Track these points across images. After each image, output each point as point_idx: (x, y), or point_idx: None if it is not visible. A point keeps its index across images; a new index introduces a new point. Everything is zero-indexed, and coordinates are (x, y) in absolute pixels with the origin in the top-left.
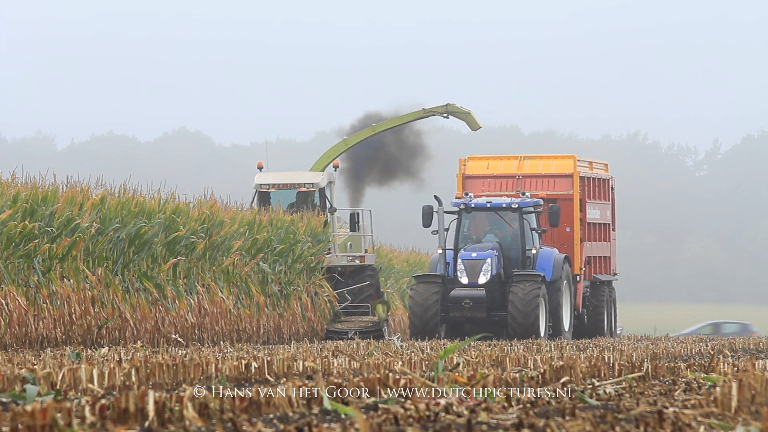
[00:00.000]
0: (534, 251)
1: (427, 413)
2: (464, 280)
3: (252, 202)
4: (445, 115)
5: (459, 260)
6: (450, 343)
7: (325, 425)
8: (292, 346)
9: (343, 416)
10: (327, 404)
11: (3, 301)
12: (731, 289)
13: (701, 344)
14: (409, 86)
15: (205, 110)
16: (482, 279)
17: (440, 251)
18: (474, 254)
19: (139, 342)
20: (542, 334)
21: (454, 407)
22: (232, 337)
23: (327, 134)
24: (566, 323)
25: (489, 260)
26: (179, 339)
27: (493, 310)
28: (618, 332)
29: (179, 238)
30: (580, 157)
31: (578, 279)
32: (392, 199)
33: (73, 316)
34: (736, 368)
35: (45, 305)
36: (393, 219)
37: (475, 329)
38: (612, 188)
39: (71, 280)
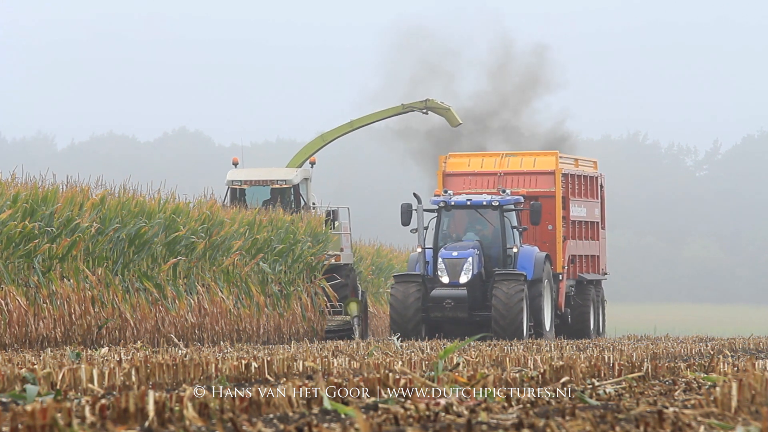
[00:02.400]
0: (515, 250)
1: (427, 413)
2: (445, 279)
3: (224, 199)
4: (425, 110)
5: (439, 259)
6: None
7: (325, 425)
8: (292, 346)
9: (343, 416)
10: (327, 404)
11: (3, 301)
12: (731, 289)
13: (701, 344)
14: (407, 85)
15: (205, 110)
16: (463, 278)
17: (419, 250)
18: (455, 253)
19: (139, 342)
20: (525, 335)
21: (454, 407)
22: (232, 337)
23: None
24: (547, 323)
25: (470, 259)
26: (178, 342)
27: (475, 310)
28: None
29: (179, 238)
30: (564, 154)
31: (561, 278)
32: (393, 198)
33: (73, 316)
34: (736, 368)
35: (45, 305)
36: (394, 219)
37: (456, 329)
38: (601, 186)
39: (71, 280)
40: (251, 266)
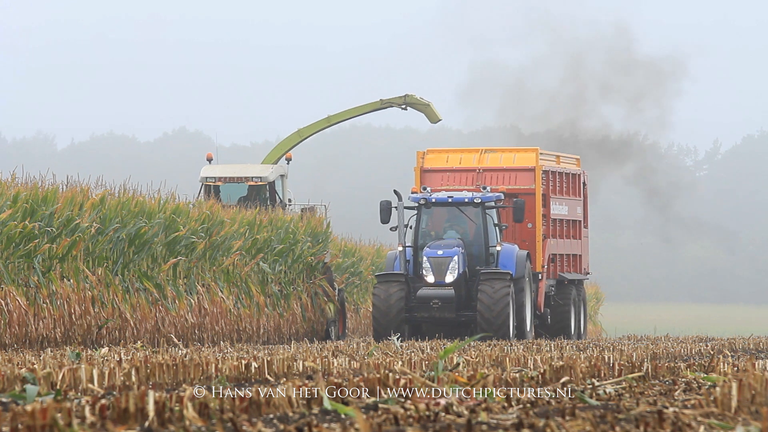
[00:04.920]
0: (498, 248)
1: (427, 413)
2: (430, 278)
3: (198, 196)
4: (404, 106)
5: (424, 258)
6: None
7: (325, 425)
8: (292, 346)
9: (343, 416)
10: (327, 404)
11: (3, 301)
12: (731, 289)
13: (701, 344)
14: (406, 85)
15: (205, 110)
16: (449, 278)
17: (401, 248)
18: (440, 252)
19: (139, 342)
20: (511, 334)
21: (454, 407)
22: (232, 337)
23: (327, 134)
24: (528, 323)
25: (456, 258)
26: (178, 342)
27: (460, 310)
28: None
29: (179, 238)
30: (545, 151)
31: (540, 277)
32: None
33: (73, 316)
34: (736, 368)
35: (45, 305)
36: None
37: (439, 329)
38: (584, 183)
39: (71, 280)
40: (251, 266)
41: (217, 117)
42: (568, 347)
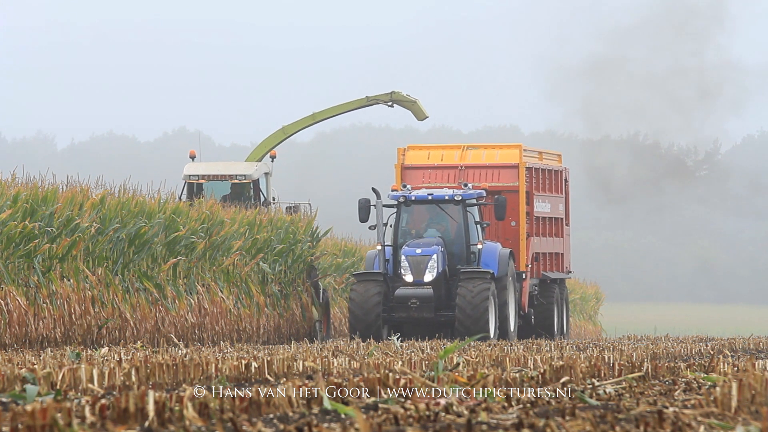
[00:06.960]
0: (480, 246)
1: (427, 413)
2: (408, 278)
3: (181, 194)
4: (390, 103)
5: (402, 257)
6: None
7: (325, 425)
8: (292, 346)
9: (343, 416)
10: (327, 404)
11: (3, 301)
12: (731, 289)
13: (701, 344)
14: (405, 86)
15: (205, 110)
16: (428, 277)
17: (380, 247)
18: (418, 250)
19: (139, 342)
20: (492, 335)
21: (454, 407)
22: (232, 337)
23: (327, 134)
24: (512, 323)
25: (435, 256)
26: (178, 342)
27: (439, 310)
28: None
29: (179, 238)
30: (528, 147)
31: (524, 276)
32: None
33: (73, 316)
34: (736, 368)
35: (45, 305)
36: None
37: (419, 330)
38: (566, 181)
39: (71, 280)
40: (251, 266)
41: (217, 117)
42: (568, 347)
